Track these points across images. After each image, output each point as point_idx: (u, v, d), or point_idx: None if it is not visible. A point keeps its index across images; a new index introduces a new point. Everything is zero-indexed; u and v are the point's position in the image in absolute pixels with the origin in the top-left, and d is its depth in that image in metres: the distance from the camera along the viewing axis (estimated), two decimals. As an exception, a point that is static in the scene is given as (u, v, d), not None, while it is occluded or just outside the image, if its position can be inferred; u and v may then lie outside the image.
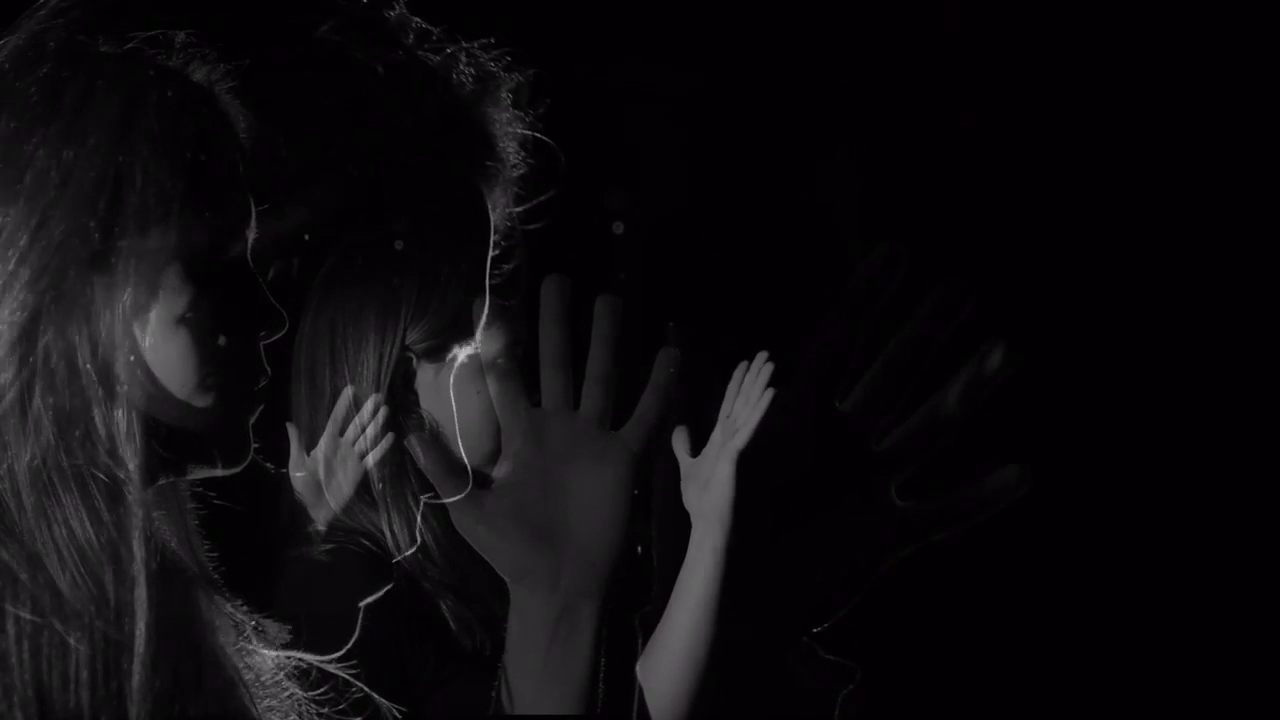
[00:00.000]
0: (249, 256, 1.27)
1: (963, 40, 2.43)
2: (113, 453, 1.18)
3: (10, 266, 1.17)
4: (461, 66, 1.44)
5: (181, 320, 1.22)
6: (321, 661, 1.42)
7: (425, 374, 2.02)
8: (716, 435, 1.80)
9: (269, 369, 1.28)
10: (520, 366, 2.02)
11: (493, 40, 1.44)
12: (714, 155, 2.43)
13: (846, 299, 1.61)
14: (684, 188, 2.38)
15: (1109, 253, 2.49)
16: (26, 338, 1.18)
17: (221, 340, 1.24)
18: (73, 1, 1.25)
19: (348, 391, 2.00)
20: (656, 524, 1.88)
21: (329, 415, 2.01)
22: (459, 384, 2.01)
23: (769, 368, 1.74)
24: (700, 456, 1.81)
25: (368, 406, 2.00)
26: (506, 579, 1.46)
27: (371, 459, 2.00)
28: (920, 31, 2.42)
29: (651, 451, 1.53)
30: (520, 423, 1.47)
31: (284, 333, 1.28)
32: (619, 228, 1.99)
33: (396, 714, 1.72)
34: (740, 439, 1.74)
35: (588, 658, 1.47)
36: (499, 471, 1.47)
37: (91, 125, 1.18)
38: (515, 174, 1.52)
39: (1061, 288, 2.48)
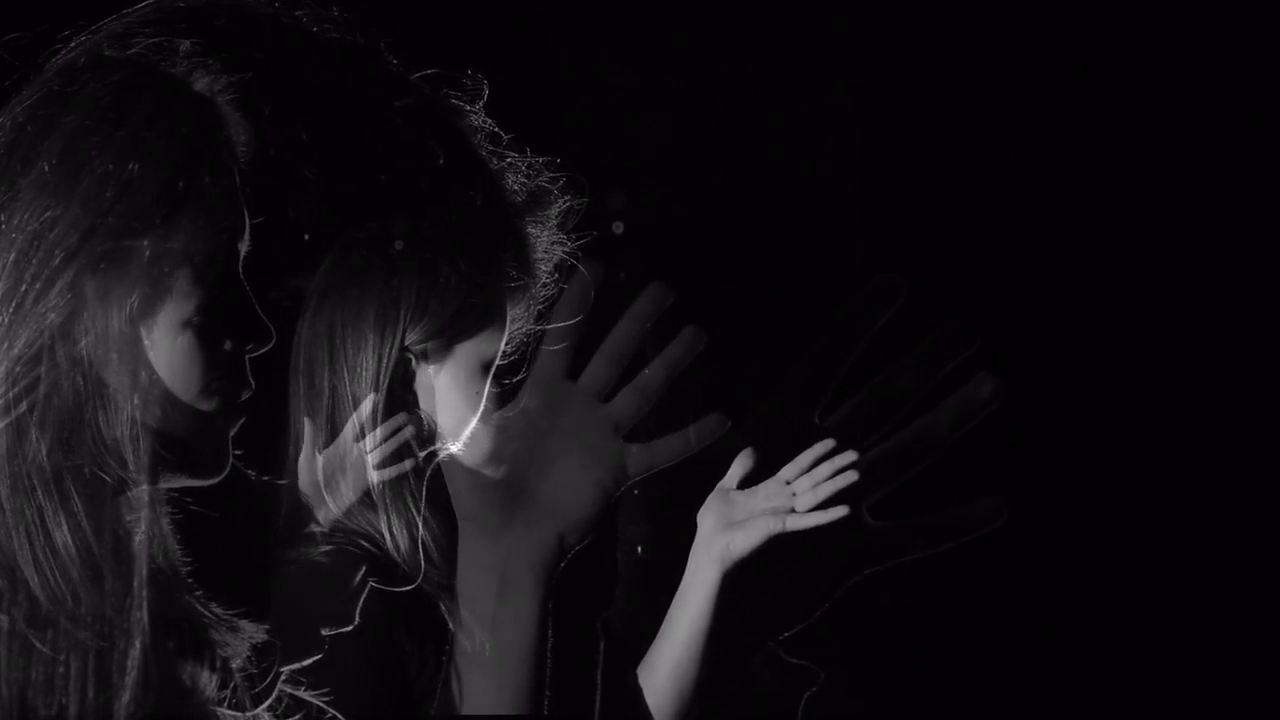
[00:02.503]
0: (240, 270, 1.27)
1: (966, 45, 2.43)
2: (113, 457, 1.18)
3: (56, 264, 1.17)
4: (519, 176, 1.45)
5: (188, 324, 1.22)
6: (294, 690, 1.42)
7: (424, 375, 2.02)
8: (759, 489, 1.84)
9: (252, 382, 1.28)
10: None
11: (557, 160, 1.46)
12: (714, 155, 2.43)
13: (840, 322, 1.62)
14: (684, 188, 2.38)
15: (1095, 265, 2.49)
16: (45, 340, 1.18)
17: (227, 345, 1.25)
18: (159, 14, 1.26)
19: (346, 391, 2.00)
20: (622, 534, 1.89)
21: (327, 416, 2.01)
22: (457, 384, 2.01)
23: (849, 475, 1.78)
24: (743, 494, 1.85)
25: (366, 407, 2.00)
26: (457, 514, 1.48)
27: (375, 464, 2.00)
28: (922, 35, 2.42)
29: (644, 484, 1.54)
30: (550, 387, 1.48)
31: (270, 347, 1.29)
32: (619, 228, 1.98)
33: None
34: (791, 525, 1.79)
35: (532, 631, 1.47)
36: (503, 414, 1.48)
37: (162, 144, 1.19)
38: (542, 293, 1.54)
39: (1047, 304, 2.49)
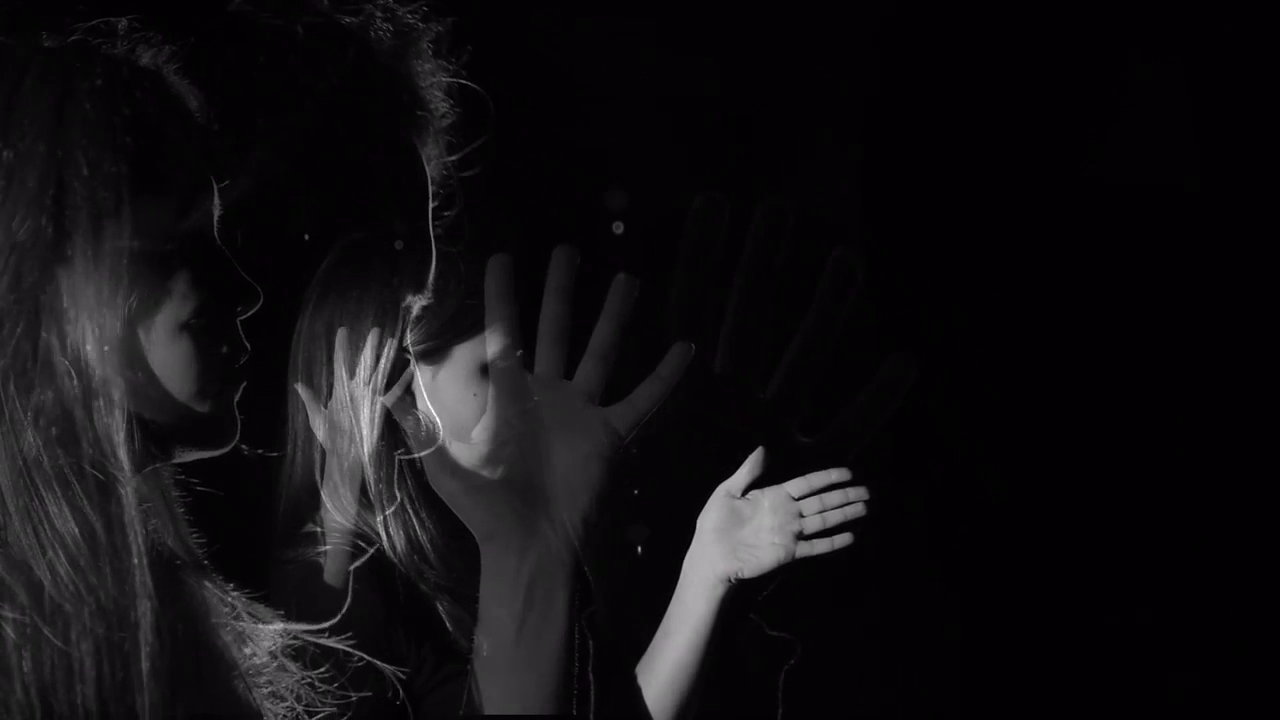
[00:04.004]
0: (216, 233, 1.26)
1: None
2: (108, 452, 1.17)
3: None
4: (378, 23, 1.43)
5: (184, 326, 1.21)
6: (317, 638, 1.42)
7: (423, 375, 2.01)
8: (764, 500, 1.88)
9: (248, 345, 1.27)
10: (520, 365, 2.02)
11: None
12: (714, 155, 2.43)
13: (683, 257, 1.61)
14: (684, 188, 2.38)
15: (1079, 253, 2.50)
16: (12, 338, 1.17)
17: (224, 349, 1.24)
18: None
19: (344, 391, 1.99)
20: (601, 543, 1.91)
21: (326, 416, 2.00)
22: (456, 385, 2.00)
23: (858, 509, 1.85)
24: (748, 504, 1.88)
25: (364, 407, 1.99)
26: (476, 536, 1.46)
27: (372, 464, 1.99)
28: (920, 36, 2.42)
29: (639, 439, 1.52)
30: (510, 385, 1.47)
31: (259, 307, 1.28)
32: (619, 228, 1.98)
33: (400, 675, 1.72)
34: (800, 553, 1.91)
35: (561, 629, 1.46)
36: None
37: (26, 123, 1.17)
38: (445, 123, 1.51)
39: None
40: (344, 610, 1.68)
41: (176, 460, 1.28)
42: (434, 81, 1.49)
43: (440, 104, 1.51)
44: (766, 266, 1.65)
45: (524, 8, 2.24)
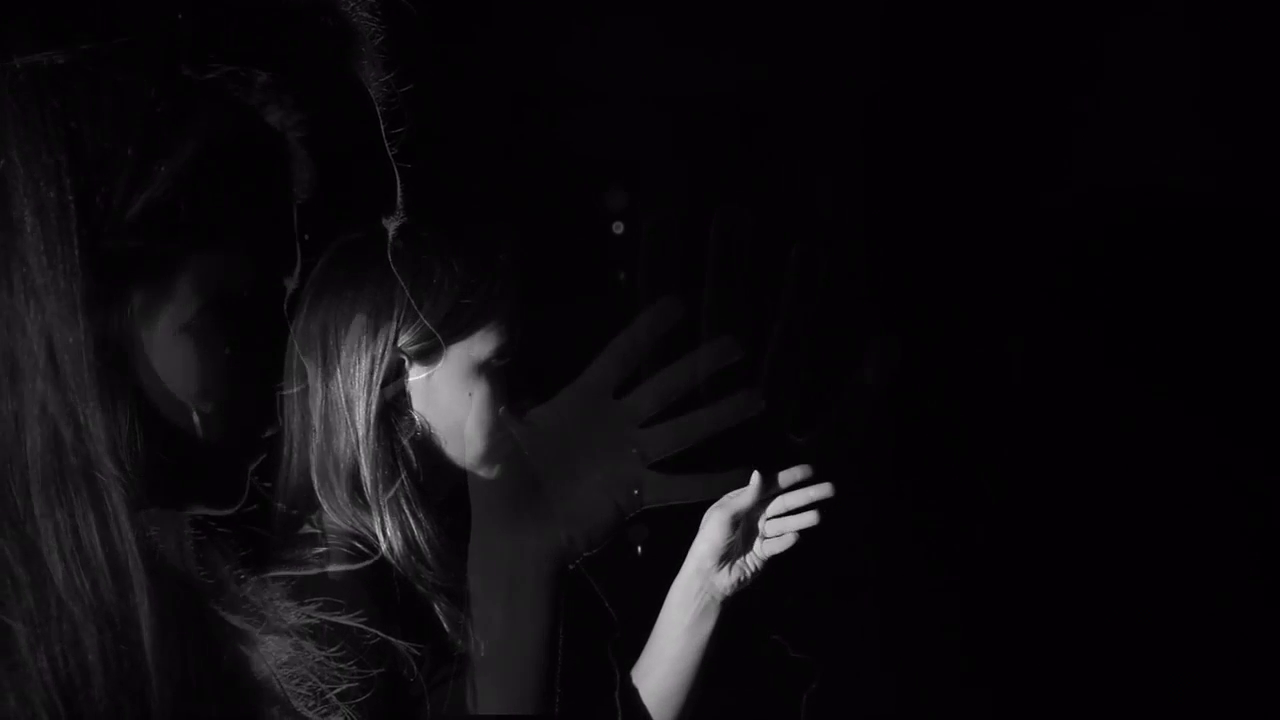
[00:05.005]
0: (285, 307, 1.27)
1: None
2: (113, 453, 1.17)
3: None
4: None
5: (186, 328, 1.21)
6: (332, 617, 1.43)
7: (417, 376, 2.02)
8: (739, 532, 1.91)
9: (280, 421, 1.27)
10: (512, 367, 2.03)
11: None
12: (714, 155, 2.43)
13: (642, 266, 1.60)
14: (684, 188, 2.38)
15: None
16: (21, 333, 1.17)
17: (227, 350, 1.24)
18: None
19: (339, 393, 1.99)
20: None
21: (321, 418, 2.00)
22: (451, 385, 2.01)
23: (809, 516, 1.88)
24: (744, 526, 1.91)
25: (359, 408, 2.00)
26: (474, 507, 1.47)
27: (368, 465, 2.00)
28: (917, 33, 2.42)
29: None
30: (593, 397, 1.47)
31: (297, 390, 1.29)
32: (619, 228, 1.98)
33: (414, 652, 1.73)
34: (766, 552, 1.96)
35: (544, 626, 1.47)
36: (536, 411, 1.48)
37: None
38: (376, 42, 1.52)
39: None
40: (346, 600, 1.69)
41: (182, 510, 1.29)
42: (355, 5, 1.49)
43: (367, 24, 1.51)
44: (727, 273, 1.65)
45: (524, 8, 2.24)
